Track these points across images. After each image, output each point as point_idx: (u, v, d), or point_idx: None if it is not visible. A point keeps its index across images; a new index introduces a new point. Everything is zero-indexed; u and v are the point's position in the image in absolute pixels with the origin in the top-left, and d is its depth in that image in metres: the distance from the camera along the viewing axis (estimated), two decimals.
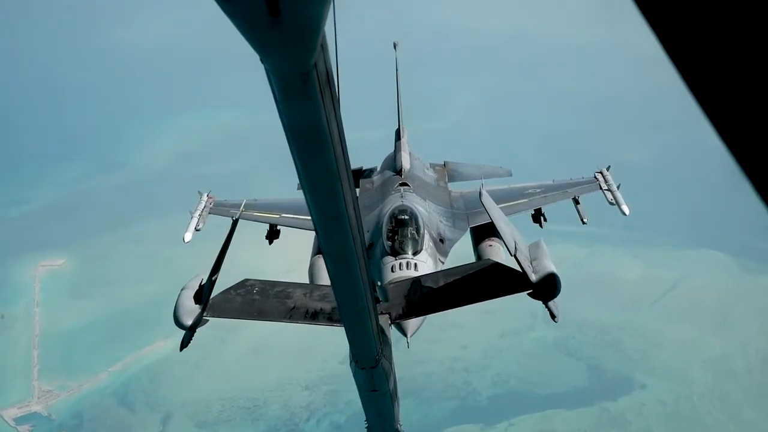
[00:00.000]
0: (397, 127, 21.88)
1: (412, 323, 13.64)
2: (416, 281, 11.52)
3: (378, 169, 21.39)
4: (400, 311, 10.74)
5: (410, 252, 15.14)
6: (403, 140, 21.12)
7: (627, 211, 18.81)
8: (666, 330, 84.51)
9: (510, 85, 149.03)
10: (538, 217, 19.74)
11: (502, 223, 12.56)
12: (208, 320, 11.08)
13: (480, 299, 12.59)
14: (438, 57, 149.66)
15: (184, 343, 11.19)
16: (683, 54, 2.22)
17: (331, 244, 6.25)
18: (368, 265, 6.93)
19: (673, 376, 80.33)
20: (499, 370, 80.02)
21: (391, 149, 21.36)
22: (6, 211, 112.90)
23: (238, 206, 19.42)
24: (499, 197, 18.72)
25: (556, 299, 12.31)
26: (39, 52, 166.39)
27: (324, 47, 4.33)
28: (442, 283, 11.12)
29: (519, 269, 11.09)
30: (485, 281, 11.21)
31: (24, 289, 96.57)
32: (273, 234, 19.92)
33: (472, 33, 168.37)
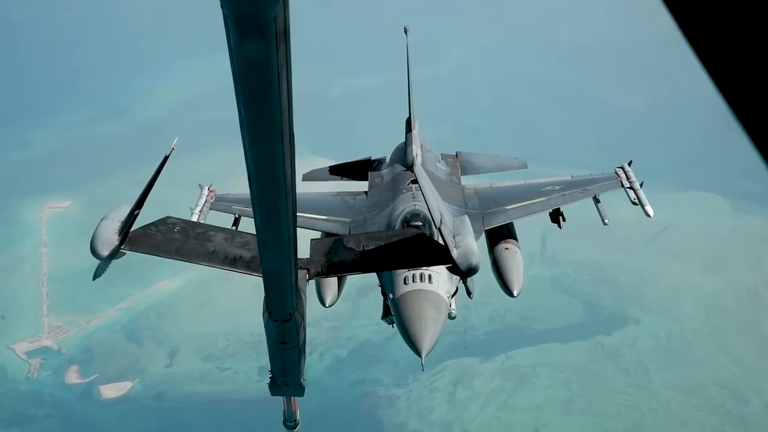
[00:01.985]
0: (408, 116, 20.27)
1: (427, 342, 13.26)
2: (339, 240, 11.29)
3: (387, 160, 20.11)
4: (319, 269, 10.54)
5: None
6: (414, 132, 19.62)
7: (651, 213, 17.64)
8: (659, 269, 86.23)
9: (507, 34, 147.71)
10: (556, 216, 18.31)
11: (430, 195, 12.47)
12: (125, 253, 10.75)
13: (400, 266, 13.00)
14: (434, 3, 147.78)
15: (98, 274, 10.91)
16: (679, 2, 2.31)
17: (263, 196, 6.30)
18: (295, 221, 6.98)
19: (666, 312, 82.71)
20: (497, 306, 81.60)
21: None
22: (10, 155, 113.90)
23: (240, 201, 18.26)
24: (515, 195, 18.09)
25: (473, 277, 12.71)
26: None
27: (286, 3, 4.45)
28: (364, 246, 10.86)
29: (442, 243, 10.98)
30: (408, 250, 10.99)
31: (31, 230, 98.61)
32: None
33: None
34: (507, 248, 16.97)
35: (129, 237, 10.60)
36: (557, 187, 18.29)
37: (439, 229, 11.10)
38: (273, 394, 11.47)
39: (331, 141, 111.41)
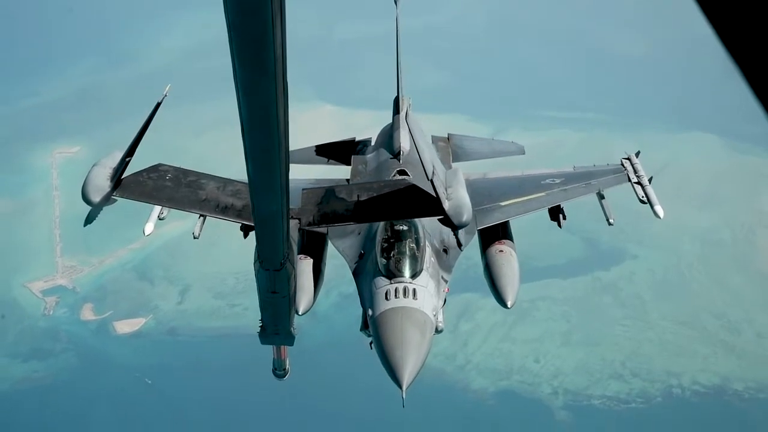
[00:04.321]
0: (396, 95, 18.06)
1: (408, 373, 11.62)
2: (330, 190, 11.03)
3: (372, 143, 18.08)
4: (311, 218, 10.49)
5: (408, 274, 12.73)
6: (403, 113, 17.23)
7: (661, 214, 15.73)
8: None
9: None
10: (556, 213, 16.30)
11: (423, 145, 12.23)
12: (116, 200, 10.80)
13: (391, 218, 12.47)
14: None
15: (89, 220, 10.91)
16: None
17: (256, 144, 6.19)
18: (288, 170, 6.86)
19: (663, 247, 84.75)
20: None
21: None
22: (18, 102, 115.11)
23: None
24: (511, 188, 16.19)
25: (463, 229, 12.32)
26: None
27: None
28: (356, 197, 10.71)
29: (434, 194, 10.70)
30: (399, 201, 10.82)
31: (42, 175, 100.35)
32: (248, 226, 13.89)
33: None
34: (501, 251, 15.40)
35: (121, 184, 10.85)
36: (557, 181, 16.38)
37: (431, 181, 10.76)
38: (263, 342, 11.60)
39: (337, 87, 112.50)
